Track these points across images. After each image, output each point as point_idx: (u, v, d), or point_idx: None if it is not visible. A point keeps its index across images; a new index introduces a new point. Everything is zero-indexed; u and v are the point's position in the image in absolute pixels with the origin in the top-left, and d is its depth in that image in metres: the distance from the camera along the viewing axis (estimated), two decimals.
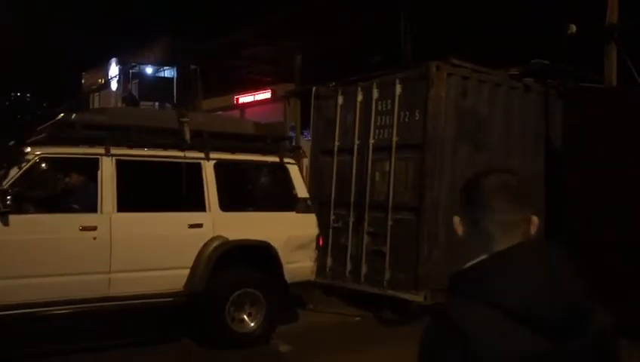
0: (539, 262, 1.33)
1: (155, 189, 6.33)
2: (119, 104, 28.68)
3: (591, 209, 6.76)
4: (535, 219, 1.44)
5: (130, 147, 6.12)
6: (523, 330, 1.24)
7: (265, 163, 6.96)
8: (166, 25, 30.93)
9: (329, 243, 8.15)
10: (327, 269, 8.08)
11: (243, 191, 6.98)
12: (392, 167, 7.47)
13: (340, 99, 8.45)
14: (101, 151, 5.90)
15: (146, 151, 6.20)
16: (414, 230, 7.08)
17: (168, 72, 32.46)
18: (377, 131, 7.81)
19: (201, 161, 6.44)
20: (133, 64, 33.43)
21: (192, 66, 23.42)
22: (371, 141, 7.84)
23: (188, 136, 6.36)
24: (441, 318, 1.33)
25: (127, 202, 5.97)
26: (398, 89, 7.54)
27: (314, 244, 6.95)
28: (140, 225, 6.07)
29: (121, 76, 34.44)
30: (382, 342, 6.71)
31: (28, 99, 42.68)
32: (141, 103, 25.55)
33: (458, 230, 1.50)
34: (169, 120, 6.49)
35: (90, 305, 5.75)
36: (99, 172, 5.88)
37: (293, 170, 7.01)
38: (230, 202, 6.57)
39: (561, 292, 1.28)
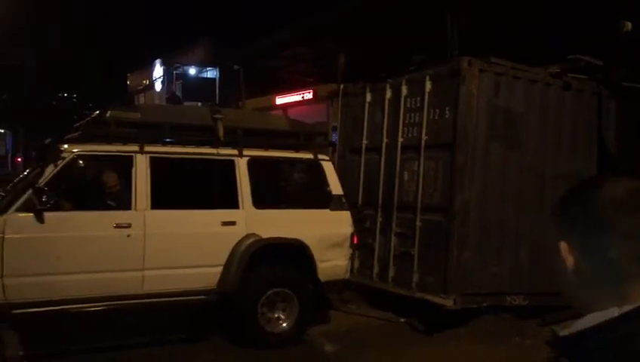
0: None
1: (189, 186, 6.17)
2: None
3: None
4: None
5: (164, 144, 6.00)
6: None
7: (299, 160, 6.73)
8: (209, 26, 31.18)
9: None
10: (355, 271, 7.82)
11: (276, 189, 6.77)
12: (421, 167, 7.09)
13: (369, 97, 8.10)
14: (135, 148, 5.76)
15: (179, 149, 6.07)
16: (444, 232, 6.70)
17: (211, 73, 32.72)
18: (406, 129, 7.42)
19: (235, 158, 6.25)
20: (177, 65, 33.79)
21: (235, 67, 23.49)
22: (400, 139, 7.46)
23: (221, 132, 6.19)
24: None
25: (161, 199, 5.82)
26: (428, 86, 7.14)
27: (348, 242, 6.69)
28: (173, 223, 5.91)
29: (165, 77, 34.89)
30: (424, 343, 6.45)
31: (74, 100, 43.62)
32: (184, 104, 25.70)
33: (567, 261, 1.03)
34: (202, 117, 6.33)
35: (124, 302, 5.62)
36: (133, 169, 5.75)
37: (328, 167, 6.77)
38: (263, 199, 6.36)
39: None
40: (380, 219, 7.67)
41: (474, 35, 10.73)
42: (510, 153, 7.03)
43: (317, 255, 6.41)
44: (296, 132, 6.82)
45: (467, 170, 6.70)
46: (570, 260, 1.01)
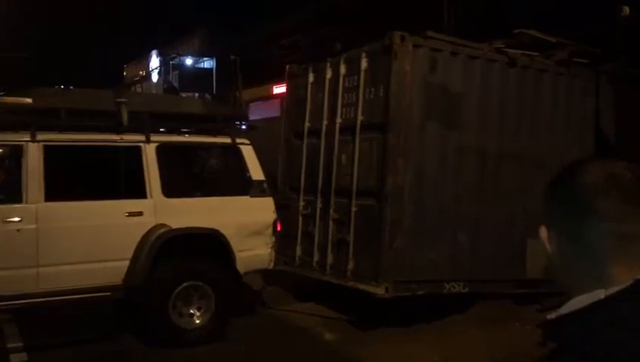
0: None
1: (90, 176, 5.74)
2: None
3: None
4: None
5: (61, 131, 5.56)
6: None
7: (215, 144, 6.25)
8: (205, 16, 30.68)
9: (299, 231, 7.38)
10: (297, 259, 7.36)
11: (190, 176, 6.28)
12: (356, 149, 6.58)
13: (311, 77, 7.56)
14: (26, 136, 5.35)
15: (78, 136, 5.61)
16: (377, 217, 6.21)
17: (208, 63, 32.29)
18: (344, 110, 6.88)
19: (141, 144, 5.79)
20: (174, 55, 33.39)
21: (232, 57, 23.02)
22: (338, 121, 6.94)
23: (125, 117, 5.73)
24: None
25: (58, 191, 5.39)
26: (364, 63, 6.57)
27: (270, 230, 6.24)
28: (71, 215, 5.47)
29: (162, 68, 34.51)
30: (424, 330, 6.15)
31: None
32: (181, 95, 25.28)
33: (547, 246, 1.02)
34: (105, 101, 5.87)
35: (17, 302, 5.24)
36: (23, 159, 5.33)
37: (247, 152, 6.27)
38: (175, 188, 5.90)
39: None
40: (319, 205, 7.17)
41: (472, 23, 10.18)
42: (448, 133, 6.46)
43: (235, 244, 5.97)
44: (212, 115, 6.34)
45: (400, 151, 6.16)
46: (552, 244, 1.01)
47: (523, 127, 6.94)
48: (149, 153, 5.80)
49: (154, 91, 32.50)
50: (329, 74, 7.23)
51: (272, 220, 6.23)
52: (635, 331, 0.85)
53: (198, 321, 5.85)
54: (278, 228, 6.31)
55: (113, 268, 5.54)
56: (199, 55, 32.84)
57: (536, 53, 7.24)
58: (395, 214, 6.15)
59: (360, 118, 6.59)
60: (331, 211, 6.94)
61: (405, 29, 6.33)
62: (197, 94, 28.96)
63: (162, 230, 5.67)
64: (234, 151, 6.23)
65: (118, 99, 5.74)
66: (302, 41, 19.30)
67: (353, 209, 6.55)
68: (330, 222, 6.92)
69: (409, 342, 5.85)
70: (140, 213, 5.68)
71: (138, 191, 5.73)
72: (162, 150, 5.87)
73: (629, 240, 0.92)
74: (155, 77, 35.22)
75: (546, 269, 6.70)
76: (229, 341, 5.85)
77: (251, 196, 6.19)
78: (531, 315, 6.12)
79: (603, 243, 0.93)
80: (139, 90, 36.33)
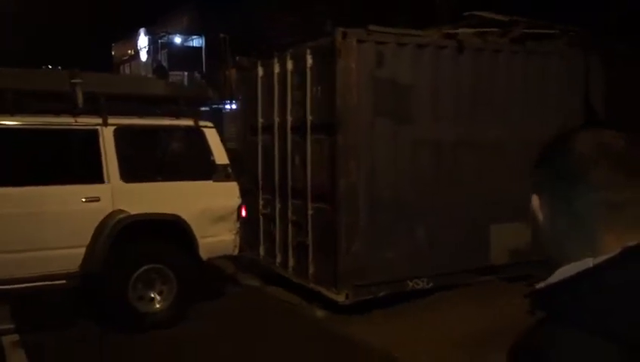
0: None
1: (43, 160, 5.53)
2: (150, 75, 28.14)
3: None
4: None
5: (11, 114, 5.32)
6: None
7: (176, 127, 6.04)
8: None
9: (261, 230, 7.17)
10: (261, 259, 7.17)
11: (150, 160, 6.05)
12: (308, 150, 6.32)
13: (260, 71, 7.28)
14: None
15: (28, 119, 5.37)
16: (333, 221, 5.97)
17: (197, 42, 31.81)
18: (295, 108, 6.60)
19: (98, 127, 5.58)
20: (162, 34, 32.85)
21: (221, 35, 22.60)
22: (289, 119, 6.66)
23: (80, 99, 5.51)
24: (530, 357, 0.89)
25: (7, 176, 5.20)
26: (309, 60, 6.27)
27: (235, 216, 6.06)
28: (22, 201, 5.24)
29: (151, 47, 33.98)
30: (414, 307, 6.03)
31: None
32: (170, 74, 24.93)
33: (538, 215, 1.01)
34: (58, 82, 5.63)
35: None
36: None
37: (211, 135, 6.07)
38: (134, 172, 5.71)
39: None
40: (278, 206, 6.94)
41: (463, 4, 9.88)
42: (400, 127, 6.16)
43: (198, 230, 5.79)
44: (174, 97, 6.11)
45: (351, 152, 5.90)
46: (542, 213, 1.00)
47: (479, 111, 6.62)
48: (107, 136, 5.59)
49: (143, 71, 32.06)
50: (277, 69, 6.95)
51: (236, 205, 6.05)
52: (622, 299, 0.84)
53: (158, 305, 5.70)
54: (243, 214, 6.13)
55: (69, 256, 5.36)
56: (188, 33, 32.35)
57: (493, 29, 6.95)
58: (350, 217, 5.94)
59: (309, 117, 6.32)
60: (289, 213, 6.74)
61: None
62: (186, 73, 28.63)
63: (120, 216, 5.48)
64: (197, 135, 6.02)
65: (73, 80, 5.50)
66: (293, 20, 18.93)
67: (309, 212, 6.34)
68: (289, 224, 6.73)
69: (397, 319, 5.75)
70: (96, 199, 5.48)
71: (95, 176, 5.53)
72: (120, 133, 5.66)
73: (618, 209, 0.92)
74: (143, 56, 34.71)
75: (514, 252, 6.59)
76: (204, 322, 5.74)
77: (215, 181, 5.99)
78: (520, 291, 5.95)
79: (592, 212, 0.93)
80: (127, 70, 35.94)
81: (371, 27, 6.04)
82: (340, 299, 5.82)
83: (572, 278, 0.90)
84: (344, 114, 5.86)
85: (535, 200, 1.01)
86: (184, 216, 5.73)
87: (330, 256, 6.03)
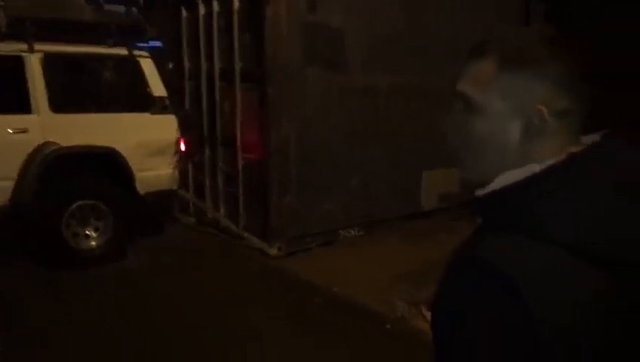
0: (619, 175, 0.85)
1: None
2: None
3: None
4: None
5: None
6: (594, 273, 0.80)
7: (109, 56, 5.71)
8: None
9: (190, 179, 6.92)
10: (191, 207, 6.98)
11: (82, 90, 5.70)
12: (238, 99, 6.03)
13: (184, 12, 6.80)
14: None
15: None
16: (265, 173, 5.82)
17: None
18: (223, 54, 6.23)
19: (24, 54, 5.22)
20: None
21: None
22: (217, 65, 6.31)
23: (4, 22, 5.12)
24: (471, 266, 0.83)
25: None
26: (236, 3, 5.91)
27: (173, 149, 5.88)
28: None
29: None
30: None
31: None
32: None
33: (480, 122, 0.93)
34: None
35: None
36: None
37: (147, 65, 5.77)
38: (65, 102, 5.39)
39: None
40: (207, 154, 6.66)
41: None
42: (333, 76, 5.94)
43: (134, 164, 5.59)
44: (107, 24, 5.76)
45: (282, 103, 5.67)
46: (485, 118, 0.92)
47: (415, 56, 6.47)
48: (34, 64, 5.23)
49: None
50: (202, 10, 6.49)
51: (174, 139, 5.85)
52: (569, 203, 0.83)
53: (94, 242, 5.53)
54: (183, 148, 5.95)
55: None
56: None
57: None
58: (282, 170, 5.77)
59: (238, 64, 5.99)
60: (219, 163, 6.50)
61: None
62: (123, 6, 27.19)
63: (51, 148, 5.21)
64: (132, 65, 5.73)
65: None
66: None
67: (240, 162, 6.14)
68: (220, 174, 6.52)
69: (336, 256, 5.75)
70: (24, 130, 5.18)
71: (22, 106, 5.20)
72: (49, 61, 5.31)
73: (563, 116, 0.89)
74: None
75: (444, 197, 6.66)
76: (142, 258, 5.64)
77: (152, 113, 5.75)
78: (461, 228, 6.06)
79: (539, 118, 0.89)
80: None
81: None
82: (273, 251, 5.76)
83: (518, 184, 0.87)
84: (274, 64, 5.59)
85: (476, 94, 0.92)
86: (119, 149, 5.50)
87: (261, 209, 5.90)
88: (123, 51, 5.67)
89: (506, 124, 0.91)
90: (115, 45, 5.66)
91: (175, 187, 6.01)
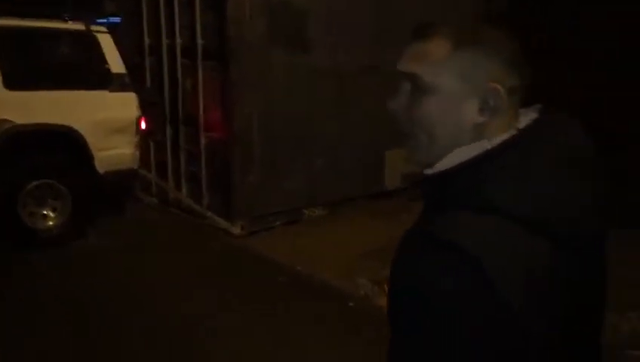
0: (558, 150, 0.88)
1: None
2: None
3: None
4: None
5: None
6: (539, 241, 0.83)
7: (65, 31, 5.51)
8: None
9: (151, 158, 6.77)
10: (153, 186, 6.85)
11: (38, 66, 5.50)
12: (199, 77, 5.91)
13: None
14: None
15: None
16: (226, 153, 5.75)
17: None
18: (185, 31, 6.06)
19: None
20: None
21: None
22: (178, 41, 6.13)
23: None
24: (426, 243, 0.83)
25: None
26: None
27: (134, 128, 5.75)
28: None
29: None
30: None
31: None
32: None
33: (428, 102, 0.93)
34: None
35: None
36: None
37: (105, 41, 5.61)
38: (18, 79, 5.20)
39: (585, 195, 0.89)
40: (169, 132, 6.52)
41: None
42: (298, 55, 5.87)
43: (93, 142, 5.46)
44: None
45: (245, 83, 5.58)
46: (432, 97, 0.92)
47: (382, 36, 6.36)
48: None
49: None
50: None
51: (134, 117, 5.72)
52: (522, 178, 0.84)
53: (52, 222, 5.39)
54: (143, 127, 5.83)
55: None
56: None
57: None
58: (246, 149, 5.70)
59: (200, 41, 5.84)
60: (181, 141, 6.38)
61: None
62: None
63: (4, 126, 5.04)
64: (89, 40, 5.55)
65: None
66: None
67: (202, 141, 6.04)
68: (182, 153, 6.40)
69: (298, 235, 5.75)
70: None
71: None
72: (2, 36, 5.09)
73: (512, 93, 0.90)
74: None
75: (407, 176, 6.72)
76: (102, 238, 5.52)
77: (110, 91, 5.60)
78: (418, 207, 6.12)
79: (491, 96, 0.89)
80: None
81: None
82: (236, 230, 5.72)
83: (470, 161, 0.88)
84: (238, 44, 5.48)
85: (429, 74, 0.92)
86: (77, 127, 5.36)
87: (224, 188, 5.84)
88: (80, 26, 5.48)
89: (460, 104, 0.91)
90: (72, 20, 5.47)
91: (136, 166, 5.89)
